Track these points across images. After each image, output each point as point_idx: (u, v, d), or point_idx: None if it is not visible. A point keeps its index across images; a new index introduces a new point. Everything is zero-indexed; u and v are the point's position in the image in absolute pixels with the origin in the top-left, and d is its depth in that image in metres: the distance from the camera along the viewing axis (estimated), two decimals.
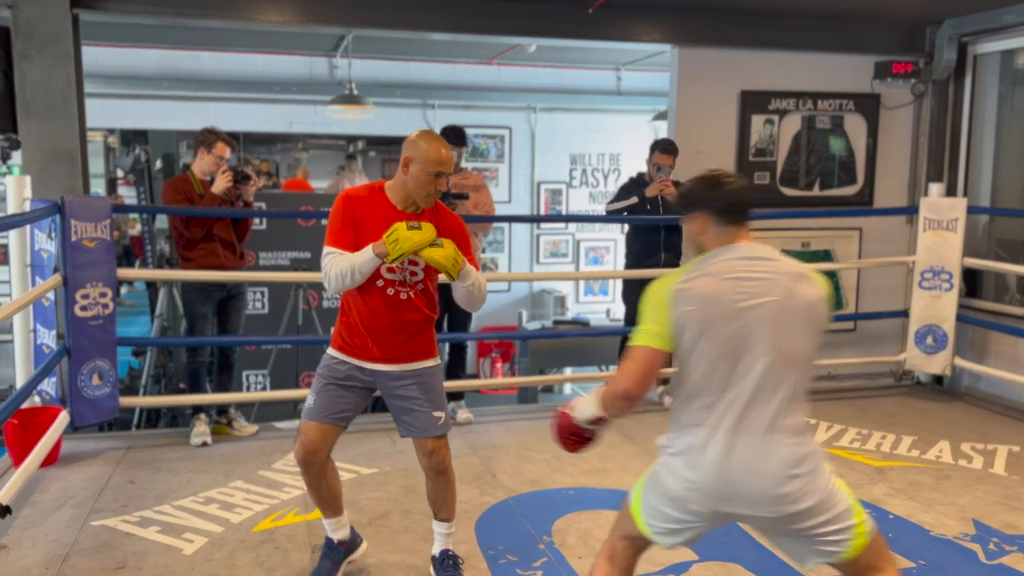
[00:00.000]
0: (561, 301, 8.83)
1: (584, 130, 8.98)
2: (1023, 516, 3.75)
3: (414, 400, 2.88)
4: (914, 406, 5.60)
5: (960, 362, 5.63)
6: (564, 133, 8.93)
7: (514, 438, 4.85)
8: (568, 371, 8.11)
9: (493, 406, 5.68)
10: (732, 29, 5.69)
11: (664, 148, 5.25)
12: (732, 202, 2.19)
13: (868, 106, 6.03)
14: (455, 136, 5.05)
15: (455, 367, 5.31)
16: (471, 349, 8.62)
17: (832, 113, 6.00)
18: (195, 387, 4.78)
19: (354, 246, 2.74)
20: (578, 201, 8.94)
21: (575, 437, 2.34)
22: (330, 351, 2.92)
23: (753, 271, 2.11)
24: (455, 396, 5.22)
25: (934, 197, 5.69)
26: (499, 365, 8.55)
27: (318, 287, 6.78)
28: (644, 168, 5.43)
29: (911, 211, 5.89)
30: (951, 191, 6.03)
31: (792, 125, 5.94)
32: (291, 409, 5.73)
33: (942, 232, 5.56)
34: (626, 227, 5.60)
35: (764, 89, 5.84)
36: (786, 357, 2.08)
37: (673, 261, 5.35)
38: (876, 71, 5.93)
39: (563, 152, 8.98)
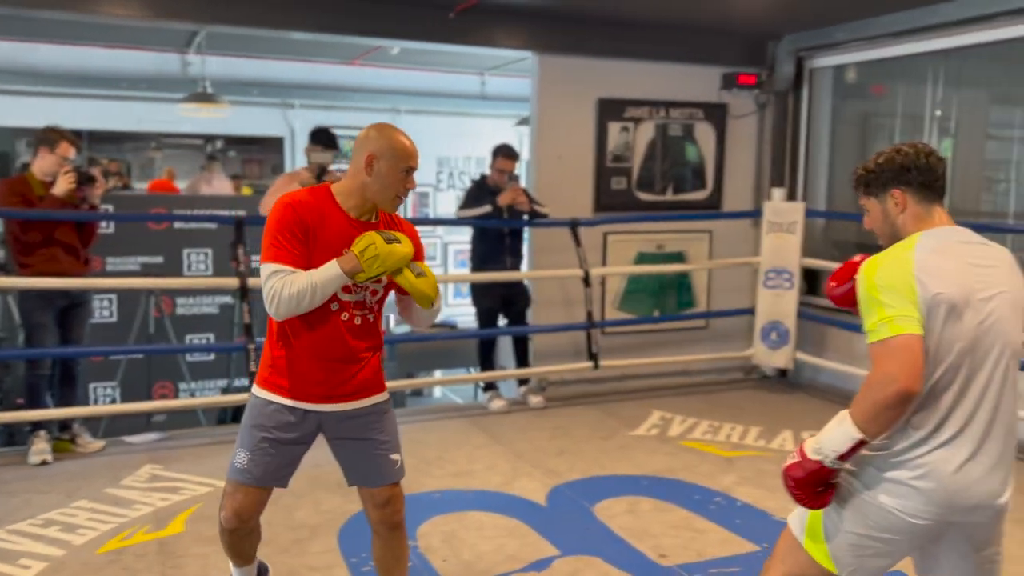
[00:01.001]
0: None
1: (450, 133, 9.02)
2: None
3: (369, 442, 2.46)
4: (761, 398, 5.96)
5: (801, 356, 6.03)
6: (430, 136, 8.92)
7: None
8: (438, 374, 8.12)
9: None
10: (590, 38, 5.87)
11: (507, 153, 5.40)
12: (937, 175, 1.98)
13: (716, 115, 6.36)
14: (327, 139, 4.96)
15: None
16: None
17: (683, 121, 6.29)
18: (34, 402, 4.48)
19: (305, 262, 2.30)
20: (445, 204, 8.96)
21: (820, 485, 1.91)
22: (261, 393, 2.43)
23: (980, 258, 1.93)
24: None
25: (776, 201, 6.08)
26: None
27: (171, 293, 6.48)
28: (486, 172, 5.57)
29: (755, 214, 6.26)
30: (791, 196, 6.44)
31: (646, 132, 6.19)
32: (143, 422, 5.45)
33: (783, 234, 5.94)
34: (471, 231, 5.69)
35: (620, 97, 6.05)
36: (1015, 353, 1.91)
37: (516, 265, 5.53)
38: (723, 82, 6.26)
39: (429, 155, 8.98)
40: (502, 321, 5.71)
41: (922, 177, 1.96)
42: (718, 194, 6.47)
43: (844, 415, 1.87)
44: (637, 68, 6.07)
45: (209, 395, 6.57)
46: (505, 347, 6.23)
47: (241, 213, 6.17)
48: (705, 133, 6.36)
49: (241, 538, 2.55)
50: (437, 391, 8.28)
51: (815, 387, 6.21)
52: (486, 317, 5.59)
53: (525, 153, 6.80)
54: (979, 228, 5.20)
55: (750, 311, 6.22)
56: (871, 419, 1.81)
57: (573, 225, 5.59)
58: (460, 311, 8.40)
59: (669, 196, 6.33)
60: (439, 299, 2.47)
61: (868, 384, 1.84)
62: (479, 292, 5.58)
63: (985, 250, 1.95)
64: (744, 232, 6.45)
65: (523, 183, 5.91)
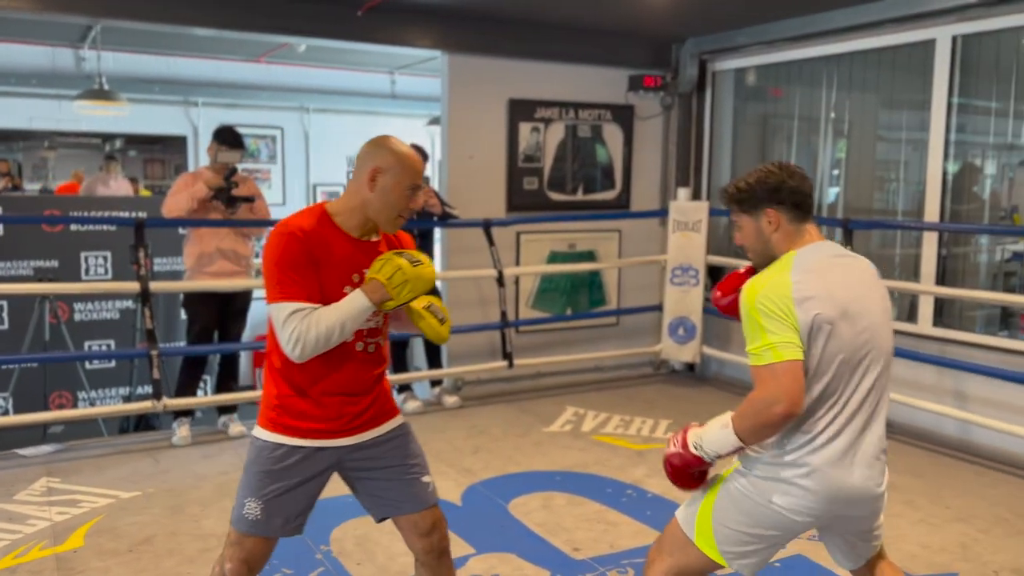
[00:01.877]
0: None
1: (360, 132, 8.82)
2: None
3: (397, 468, 2.30)
4: (670, 392, 6.11)
5: (707, 350, 6.21)
6: (339, 134, 8.81)
7: None
8: None
9: None
10: (500, 38, 5.90)
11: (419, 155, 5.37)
12: (805, 193, 2.08)
13: (624, 116, 6.49)
14: (234, 138, 4.84)
15: (226, 378, 5.09)
16: (246, 359, 8.26)
17: (592, 122, 6.39)
18: None
19: (319, 295, 2.12)
20: None
21: (698, 474, 2.14)
22: (267, 436, 2.21)
23: (850, 271, 2.07)
24: (228, 409, 5.02)
25: (681, 201, 6.25)
26: None
27: (67, 299, 6.21)
28: None
29: (662, 213, 6.42)
30: (696, 195, 6.63)
31: (557, 133, 6.26)
32: (39, 434, 5.21)
33: (689, 233, 6.11)
34: None
35: (530, 98, 6.11)
36: (887, 358, 2.07)
37: None
38: (630, 84, 6.39)
39: (339, 154, 8.86)
40: None
41: (794, 197, 2.05)
42: (627, 194, 6.61)
43: (727, 421, 2.00)
44: (547, 69, 6.14)
45: (111, 404, 6.32)
46: (419, 349, 6.21)
47: (142, 215, 5.96)
48: (613, 134, 6.48)
49: None
50: None
51: (721, 380, 6.41)
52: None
53: (437, 153, 6.79)
54: (879, 225, 5.38)
55: (658, 308, 6.37)
56: (752, 433, 1.98)
57: (486, 225, 5.61)
58: None
59: (580, 196, 6.42)
60: None
61: (752, 402, 1.95)
62: None
63: (853, 262, 2.10)
64: (652, 231, 6.61)
65: (435, 184, 5.91)
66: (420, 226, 5.42)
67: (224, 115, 8.04)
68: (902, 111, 5.61)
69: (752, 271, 2.19)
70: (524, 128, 6.12)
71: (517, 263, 6.08)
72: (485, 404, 5.68)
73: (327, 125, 8.68)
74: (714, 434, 2.03)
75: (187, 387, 4.90)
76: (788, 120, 6.34)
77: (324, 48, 6.72)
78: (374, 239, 2.26)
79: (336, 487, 4.06)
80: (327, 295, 2.14)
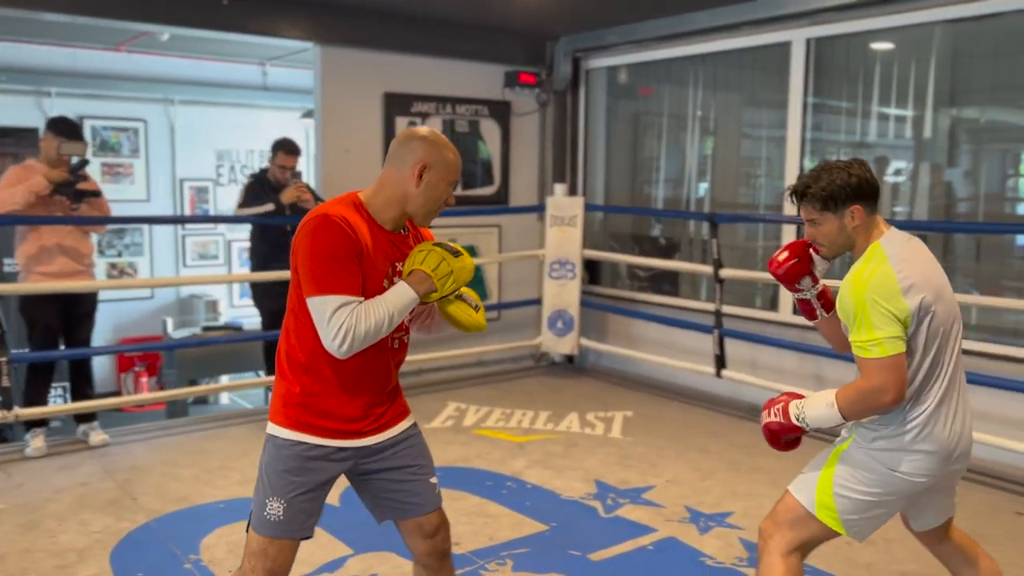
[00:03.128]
0: (213, 306, 8.36)
1: (230, 125, 8.57)
2: (634, 472, 4.34)
3: (408, 469, 2.25)
4: (549, 384, 6.20)
5: (585, 342, 6.34)
6: (208, 128, 8.44)
7: (159, 456, 4.52)
8: (224, 379, 7.72)
9: (137, 424, 5.23)
10: (374, 31, 5.82)
11: (288, 148, 5.24)
12: (878, 187, 2.26)
13: (501, 112, 6.53)
14: (73, 129, 4.55)
15: (80, 385, 4.81)
16: (109, 364, 7.84)
17: (470, 118, 6.40)
18: None
19: (361, 287, 2.06)
20: (227, 199, 8.52)
21: (793, 440, 2.36)
22: (289, 435, 2.13)
23: (924, 251, 2.26)
24: (85, 417, 4.74)
25: (558, 196, 6.35)
26: (144, 379, 7.87)
27: None
28: (267, 166, 5.35)
29: (539, 209, 6.50)
30: (573, 191, 6.75)
31: (434, 128, 6.21)
32: None
33: (565, 227, 6.22)
34: (250, 228, 5.45)
35: (407, 92, 6.06)
36: (960, 323, 2.27)
37: None
38: (506, 80, 6.44)
39: (208, 148, 8.49)
40: None
41: (873, 192, 2.23)
42: (505, 189, 6.65)
43: (831, 400, 2.20)
44: (423, 63, 6.10)
45: None
46: None
47: None
48: (491, 130, 6.51)
49: None
50: (224, 397, 7.89)
51: (598, 370, 6.56)
52: (271, 318, 5.38)
53: (311, 148, 6.63)
54: (742, 219, 5.62)
55: (537, 301, 6.46)
56: (857, 414, 2.20)
57: None
58: (245, 312, 8.05)
59: (459, 191, 6.42)
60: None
61: (860, 391, 2.15)
62: (262, 292, 5.36)
63: (920, 242, 2.29)
64: (530, 226, 6.68)
65: (310, 179, 5.77)
66: (294, 222, 5.27)
67: (81, 106, 7.57)
68: (763, 110, 5.90)
69: (806, 244, 2.38)
70: (401, 122, 6.06)
71: None
72: None
73: (195, 118, 8.29)
74: (818, 411, 2.22)
75: (36, 395, 4.60)
76: (658, 118, 6.54)
77: (189, 37, 6.42)
78: (403, 232, 2.22)
79: (208, 494, 3.92)
80: (368, 288, 2.08)
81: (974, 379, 4.20)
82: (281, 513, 2.13)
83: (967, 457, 2.27)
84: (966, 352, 2.42)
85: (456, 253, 2.15)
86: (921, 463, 2.19)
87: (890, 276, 2.13)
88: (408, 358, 2.30)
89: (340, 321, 2.00)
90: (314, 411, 2.13)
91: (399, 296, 2.08)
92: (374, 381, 2.18)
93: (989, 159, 4.92)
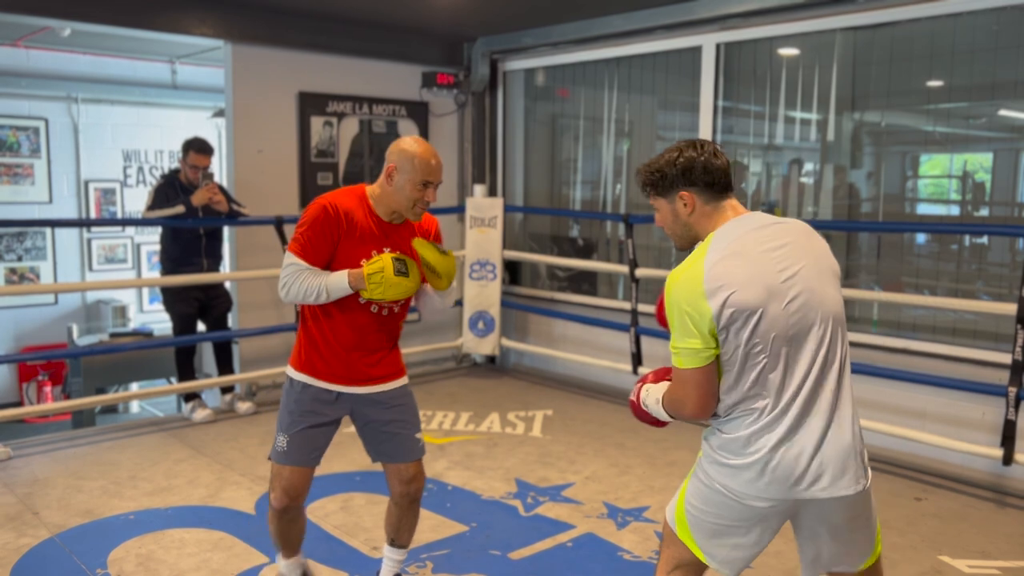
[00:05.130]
0: (121, 311, 8.06)
1: (139, 124, 8.28)
2: (554, 470, 4.38)
3: (397, 423, 2.71)
4: (471, 384, 6.20)
5: (506, 342, 6.37)
6: (114, 127, 8.14)
7: (63, 468, 4.33)
8: (135, 387, 7.46)
9: (40, 435, 4.99)
10: (287, 30, 5.71)
11: (199, 148, 5.10)
12: (719, 169, 1.96)
13: (419, 113, 6.50)
14: None
15: None
16: (10, 373, 7.48)
17: (387, 118, 6.35)
18: None
19: (324, 264, 2.55)
20: (135, 201, 8.23)
21: (652, 422, 2.15)
22: (295, 375, 2.66)
23: (774, 238, 1.92)
24: None
25: (478, 197, 6.36)
26: (48, 389, 7.53)
27: None
28: (178, 167, 5.22)
29: (459, 210, 6.50)
30: (492, 192, 6.77)
31: (351, 128, 6.16)
32: None
33: (485, 228, 6.23)
34: (160, 230, 5.29)
35: (322, 91, 5.96)
36: (833, 322, 1.92)
37: (215, 267, 5.26)
38: (423, 80, 6.41)
39: (115, 148, 8.18)
40: (201, 327, 5.38)
41: (707, 176, 1.95)
42: None
43: (659, 396, 2.04)
44: (339, 63, 6.02)
45: None
46: (208, 355, 5.89)
47: None
48: (409, 130, 6.47)
49: (291, 521, 2.76)
50: (135, 406, 7.62)
51: (520, 370, 6.59)
52: (182, 323, 5.22)
53: (224, 147, 6.46)
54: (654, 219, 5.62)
55: (458, 303, 6.45)
56: (674, 415, 2.03)
57: (279, 223, 5.42)
58: (156, 317, 7.79)
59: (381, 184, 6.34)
60: (451, 284, 2.67)
61: (668, 397, 2.01)
62: (173, 297, 5.19)
63: (778, 229, 1.95)
64: (451, 226, 6.66)
65: (223, 179, 5.62)
66: (206, 224, 5.14)
67: None
68: (676, 112, 6.03)
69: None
70: (316, 122, 5.96)
71: None
72: None
73: (100, 116, 7.98)
74: (653, 404, 2.06)
75: None
76: (575, 120, 6.62)
77: (93, 33, 6.18)
78: (397, 222, 2.63)
79: (116, 506, 3.78)
80: (342, 262, 2.55)
81: (875, 371, 4.41)
82: (286, 445, 2.64)
83: (840, 487, 1.88)
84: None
85: (400, 273, 2.50)
86: (754, 483, 1.88)
87: (697, 275, 1.85)
88: None
89: (285, 275, 2.55)
90: (314, 358, 2.63)
91: (336, 280, 2.52)
92: (361, 340, 2.62)
93: (889, 161, 5.15)
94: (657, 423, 2.14)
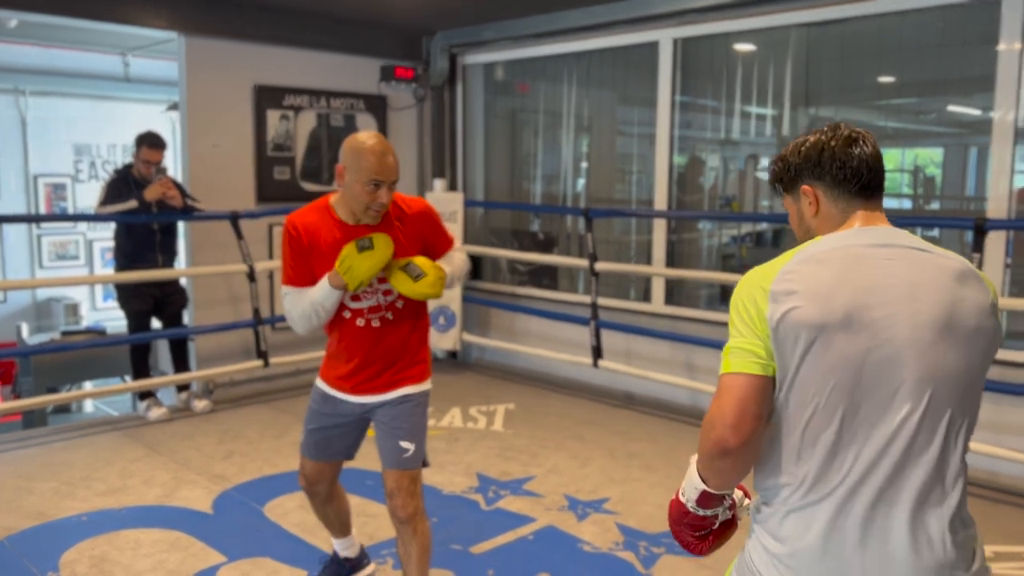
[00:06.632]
0: (73, 309, 7.89)
1: (90, 118, 8.10)
2: (515, 463, 4.39)
3: (387, 425, 2.63)
4: (433, 379, 6.14)
5: (468, 337, 6.36)
6: (65, 121, 7.95)
7: (13, 470, 4.23)
8: (88, 386, 7.30)
9: None
10: (243, 22, 5.62)
11: (151, 143, 5.01)
12: (857, 163, 1.47)
13: (377, 106, 6.45)
14: None
15: None
16: None
17: (345, 112, 6.29)
18: None
19: (310, 279, 2.53)
20: (87, 196, 8.06)
21: (697, 530, 1.54)
22: (316, 382, 2.75)
23: (896, 266, 1.39)
24: None
25: (438, 192, 6.33)
26: None
27: None
28: (131, 161, 5.12)
29: None
30: (452, 186, 6.75)
31: (308, 121, 6.09)
32: None
33: (445, 223, 6.19)
34: (114, 226, 5.20)
35: (278, 85, 5.89)
36: (949, 393, 1.37)
37: (169, 263, 5.18)
38: (382, 74, 6.36)
39: (65, 142, 8.00)
40: (156, 324, 5.28)
41: (837, 169, 1.48)
42: None
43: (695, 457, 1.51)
44: (295, 56, 5.95)
45: None
46: (164, 352, 5.79)
47: None
48: (367, 124, 6.42)
49: (321, 503, 2.84)
50: (88, 405, 7.47)
51: (482, 365, 6.59)
52: (137, 320, 5.13)
53: (178, 141, 6.35)
54: (615, 213, 5.75)
55: None
56: (705, 468, 1.45)
57: (234, 218, 5.34)
58: (109, 315, 7.64)
59: (335, 186, 6.29)
60: (451, 279, 2.64)
61: (703, 425, 1.44)
62: (127, 294, 5.09)
63: (914, 257, 1.42)
64: None
65: (177, 174, 5.52)
66: (160, 219, 5.06)
67: None
68: (635, 107, 6.06)
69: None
70: (272, 116, 5.89)
71: (270, 257, 5.85)
72: (240, 406, 5.42)
73: (49, 110, 7.79)
74: (688, 474, 1.51)
75: None
76: (535, 114, 6.62)
77: (41, 24, 6.02)
78: (364, 223, 2.51)
79: (68, 507, 3.70)
80: (318, 276, 2.51)
81: None
82: (303, 438, 2.76)
83: None
84: None
85: (363, 248, 2.41)
86: (772, 570, 1.41)
87: (769, 273, 1.41)
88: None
89: (286, 306, 2.57)
90: (327, 366, 2.69)
91: (319, 289, 2.49)
92: (360, 353, 2.58)
93: None
94: (704, 543, 1.56)
